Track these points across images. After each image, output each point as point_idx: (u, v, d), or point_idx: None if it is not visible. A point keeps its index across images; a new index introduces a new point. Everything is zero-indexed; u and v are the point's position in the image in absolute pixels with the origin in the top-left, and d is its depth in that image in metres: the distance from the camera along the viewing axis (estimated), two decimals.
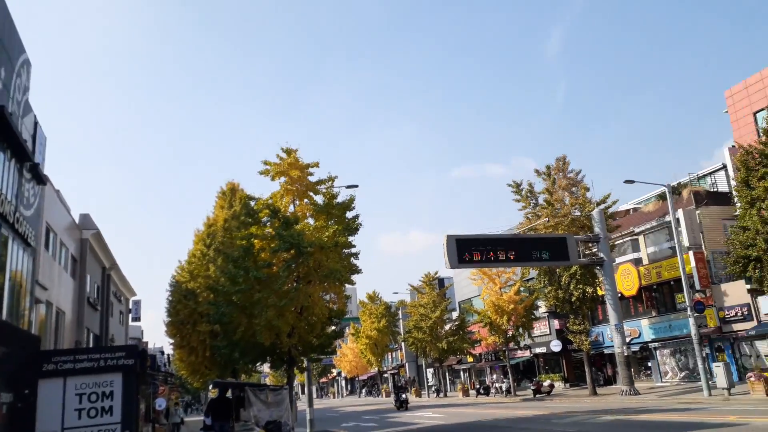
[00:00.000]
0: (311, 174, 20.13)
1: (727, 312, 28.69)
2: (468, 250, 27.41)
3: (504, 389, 38.67)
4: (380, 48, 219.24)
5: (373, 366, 65.28)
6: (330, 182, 19.48)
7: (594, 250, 30.76)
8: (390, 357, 71.21)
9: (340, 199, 19.75)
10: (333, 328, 20.50)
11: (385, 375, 74.04)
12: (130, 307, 48.56)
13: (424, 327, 46.21)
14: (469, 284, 54.38)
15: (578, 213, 31.48)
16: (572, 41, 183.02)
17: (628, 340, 35.04)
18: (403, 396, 34.42)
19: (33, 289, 18.92)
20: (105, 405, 19.15)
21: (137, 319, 50.54)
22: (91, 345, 30.68)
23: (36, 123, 19.32)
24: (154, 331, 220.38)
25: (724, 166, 34.70)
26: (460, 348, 45.99)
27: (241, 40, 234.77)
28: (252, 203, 19.56)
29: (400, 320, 65.98)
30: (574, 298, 31.23)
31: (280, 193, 19.54)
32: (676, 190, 33.34)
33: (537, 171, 33.63)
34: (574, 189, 32.56)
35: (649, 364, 34.17)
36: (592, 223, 30.35)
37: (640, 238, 34.70)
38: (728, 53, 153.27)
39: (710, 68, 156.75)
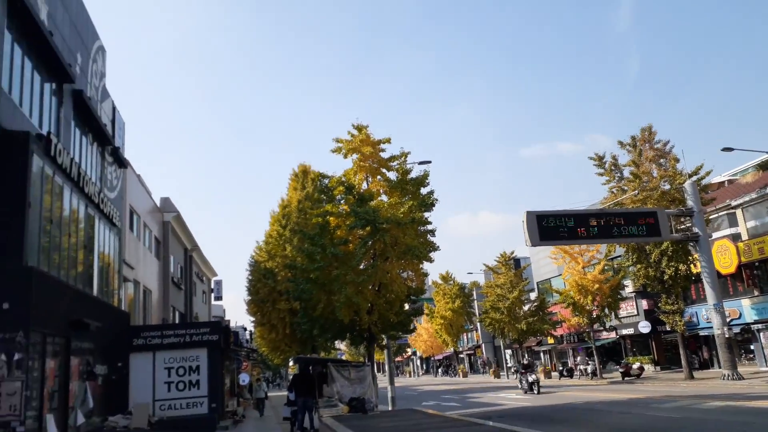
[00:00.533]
0: (383, 150, 19.64)
1: None
2: (550, 227, 26.13)
3: (589, 371, 37.11)
4: (443, 26, 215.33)
5: (448, 346, 64.81)
6: (403, 158, 18.91)
7: (687, 225, 28.67)
8: (465, 337, 70.47)
9: (413, 175, 19.11)
10: (411, 305, 20.01)
11: (461, 355, 73.44)
12: (212, 287, 50.31)
13: (502, 307, 45.02)
14: (548, 264, 52.59)
15: (668, 186, 29.33)
16: (644, 11, 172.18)
17: (728, 321, 32.73)
18: (531, 377, 27.80)
19: (121, 268, 19.60)
20: (192, 379, 19.69)
21: (219, 298, 52.32)
22: (176, 322, 31.84)
23: (114, 108, 19.88)
24: (236, 310, 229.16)
25: None
26: (540, 329, 44.55)
27: (303, 22, 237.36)
28: (326, 181, 19.30)
29: (475, 301, 65.07)
30: (666, 277, 29.26)
31: (353, 170, 19.18)
32: None
33: (621, 143, 31.63)
34: (662, 161, 30.39)
35: (752, 347, 31.63)
36: (685, 197, 28.19)
37: (738, 211, 32.00)
38: None
39: None
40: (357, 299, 17.09)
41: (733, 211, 32.05)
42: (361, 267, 18.88)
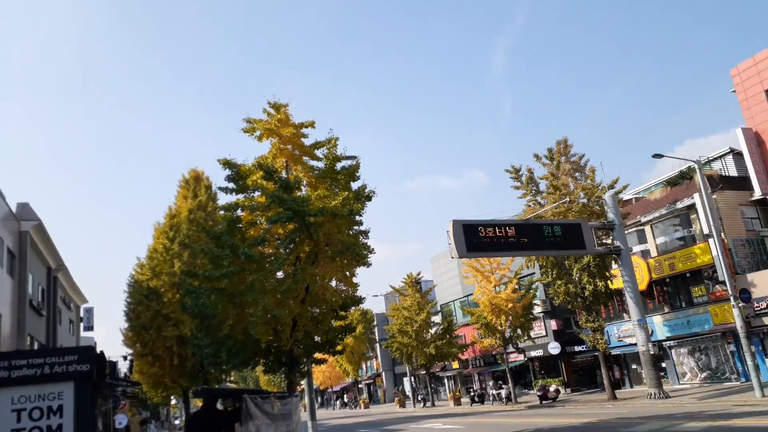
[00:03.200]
0: (305, 136, 16.55)
1: (756, 304, 26.22)
2: (477, 237, 24.27)
3: (503, 396, 35.46)
4: (329, 60, 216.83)
5: (349, 375, 61.38)
6: (330, 144, 15.88)
7: (606, 240, 28.13)
8: (365, 366, 67.34)
9: (344, 164, 16.14)
10: (341, 321, 16.78)
11: (360, 385, 70.10)
12: (81, 315, 43.43)
13: (410, 331, 42.79)
14: (451, 286, 51.46)
15: (585, 200, 28.73)
16: (518, 51, 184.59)
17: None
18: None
19: None
20: (52, 423, 14.84)
21: (90, 328, 45.21)
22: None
23: None
24: (109, 345, 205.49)
25: (732, 150, 32.66)
26: (449, 353, 42.71)
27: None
28: (232, 171, 15.73)
29: (375, 327, 62.48)
30: (587, 293, 28.40)
31: (270, 154, 15.86)
32: (685, 175, 31.09)
33: (536, 155, 30.89)
34: (577, 174, 29.93)
35: (663, 364, 31.55)
36: (605, 209, 27.66)
37: (647, 228, 32.24)
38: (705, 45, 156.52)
39: (677, 61, 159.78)
40: (278, 312, 13.65)
41: (642, 228, 32.23)
42: (280, 274, 15.48)
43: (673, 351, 30.99)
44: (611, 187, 28.54)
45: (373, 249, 15.52)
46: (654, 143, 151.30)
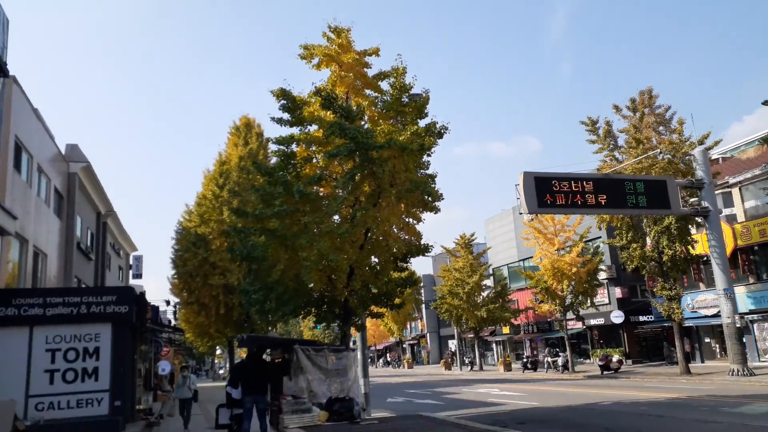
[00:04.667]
0: (369, 66, 14.48)
1: None
2: (550, 192, 21.97)
3: (560, 364, 33.46)
4: (376, 22, 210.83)
5: (394, 335, 60.47)
6: (397, 75, 13.73)
7: (691, 200, 25.31)
8: (410, 326, 66.26)
9: (413, 93, 14.02)
10: (400, 273, 15.01)
11: (404, 345, 69.29)
12: (131, 262, 43.37)
13: (461, 293, 41.00)
14: (505, 249, 49.17)
15: (670, 155, 25.76)
16: (579, 16, 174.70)
17: (716, 311, 29.77)
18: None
19: None
20: (88, 366, 13.69)
21: (139, 276, 45.21)
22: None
23: None
24: (158, 296, 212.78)
25: None
26: (501, 317, 40.83)
27: None
28: (287, 101, 13.85)
29: (423, 287, 60.96)
30: (665, 258, 25.78)
31: (330, 81, 13.89)
32: None
33: (616, 107, 27.98)
34: (661, 128, 26.92)
35: (743, 339, 28.74)
36: (693, 166, 24.77)
37: (734, 190, 29.07)
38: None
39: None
40: (334, 258, 11.93)
41: (729, 190, 29.08)
42: (337, 218, 13.74)
43: (755, 325, 28.17)
44: (701, 142, 25.55)
45: (441, 194, 13.52)
46: (725, 112, 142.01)
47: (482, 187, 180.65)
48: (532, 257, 40.73)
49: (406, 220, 13.64)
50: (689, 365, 26.49)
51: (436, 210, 13.39)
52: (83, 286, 26.69)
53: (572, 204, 22.25)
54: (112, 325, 13.79)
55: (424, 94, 13.91)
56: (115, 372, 13.43)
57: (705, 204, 23.98)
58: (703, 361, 30.91)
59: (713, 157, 31.87)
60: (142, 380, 20.34)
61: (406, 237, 13.79)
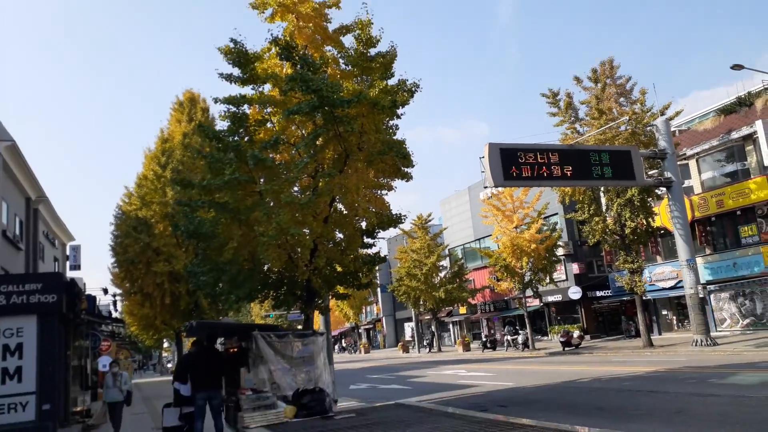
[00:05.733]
0: (328, 20, 12.95)
1: None
2: (516, 164, 21.09)
3: (520, 342, 33.07)
4: None
5: (350, 320, 59.29)
6: (362, 27, 12.23)
7: (653, 171, 25.04)
8: (365, 311, 65.21)
9: (379, 49, 12.58)
10: (368, 250, 13.69)
11: (359, 330, 68.27)
12: (68, 253, 40.33)
13: (419, 274, 40.13)
14: (462, 229, 48.61)
15: (631, 126, 25.32)
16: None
17: (674, 283, 29.96)
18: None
19: None
20: (9, 366, 11.67)
21: (77, 267, 42.16)
22: None
23: None
24: (100, 291, 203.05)
25: None
26: (459, 297, 40.22)
27: None
28: (237, 56, 12.15)
29: (379, 270, 59.94)
30: (627, 231, 25.45)
31: (287, 32, 12.25)
32: (744, 102, 27.67)
33: (577, 78, 27.31)
34: (622, 100, 26.49)
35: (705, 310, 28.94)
36: (656, 136, 24.43)
37: (691, 162, 29.08)
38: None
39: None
40: (295, 231, 10.48)
41: (686, 162, 29.05)
42: (297, 188, 12.25)
43: (712, 296, 28.37)
44: (662, 112, 25.26)
45: (413, 162, 12.18)
46: (664, 92, 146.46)
47: (432, 171, 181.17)
48: (488, 236, 40.27)
49: (376, 190, 12.24)
50: (631, 338, 26.38)
51: (408, 177, 12.07)
52: None
53: (538, 176, 21.44)
54: (37, 318, 11.88)
55: (390, 48, 12.50)
56: (42, 371, 11.58)
57: (668, 174, 23.68)
58: (660, 333, 31.05)
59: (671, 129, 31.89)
60: (78, 379, 18.32)
61: (374, 209, 12.43)
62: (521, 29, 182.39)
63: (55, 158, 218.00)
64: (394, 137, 12.71)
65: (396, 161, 11.43)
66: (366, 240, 13.48)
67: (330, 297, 14.15)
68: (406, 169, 11.97)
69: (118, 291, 34.02)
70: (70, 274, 41.35)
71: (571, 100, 27.05)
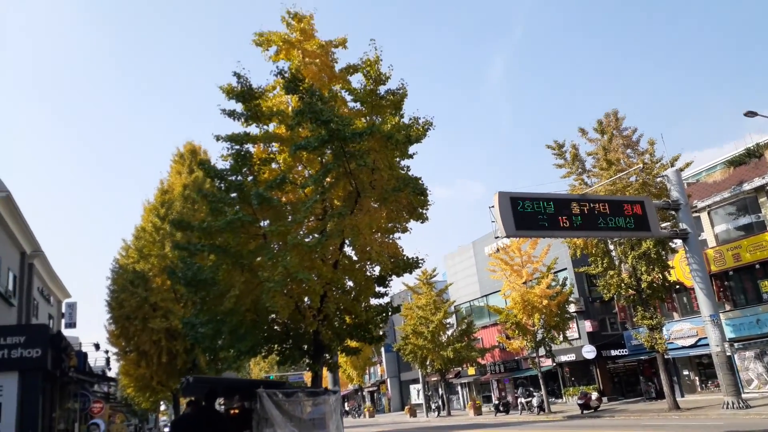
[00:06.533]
0: (335, 60, 12.57)
1: None
2: (527, 213, 20.37)
3: (535, 405, 31.37)
4: None
5: (353, 381, 57.11)
6: (370, 64, 11.77)
7: (666, 223, 24.31)
8: (369, 372, 62.99)
9: (390, 87, 12.07)
10: (380, 300, 12.76)
11: (363, 392, 65.75)
12: (63, 310, 39.12)
13: (425, 332, 38.72)
14: (467, 285, 47.43)
15: (642, 176, 24.80)
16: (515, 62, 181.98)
17: (694, 341, 28.65)
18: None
19: None
20: None
21: (72, 325, 40.87)
22: None
23: None
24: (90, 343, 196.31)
25: None
26: (468, 356, 38.63)
27: None
28: (241, 85, 11.64)
29: (382, 330, 58.30)
30: (644, 285, 24.45)
31: (293, 67, 11.80)
32: (753, 153, 27.23)
33: (582, 130, 27.06)
34: (629, 151, 26.16)
35: (734, 369, 27.47)
36: (668, 188, 23.83)
37: (703, 215, 28.38)
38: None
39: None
40: (305, 277, 9.64)
41: (698, 214, 28.34)
42: (304, 231, 11.47)
43: (736, 355, 26.98)
44: (672, 163, 24.80)
45: (429, 201, 11.45)
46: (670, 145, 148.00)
47: (428, 228, 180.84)
48: (495, 293, 39.12)
49: (388, 235, 11.43)
50: (651, 401, 24.87)
51: (424, 219, 11.31)
52: None
53: (551, 226, 20.66)
54: (19, 374, 10.94)
55: (400, 87, 12.02)
56: None
57: (683, 226, 22.90)
58: (683, 395, 29.40)
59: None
60: None
61: (387, 254, 11.61)
62: (512, 88, 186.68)
63: (52, 211, 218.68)
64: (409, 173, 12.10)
65: (411, 200, 10.71)
66: (378, 289, 12.57)
67: (339, 352, 13.11)
68: (421, 210, 11.24)
69: (114, 350, 32.75)
70: (65, 332, 40.00)
71: (577, 152, 26.70)
